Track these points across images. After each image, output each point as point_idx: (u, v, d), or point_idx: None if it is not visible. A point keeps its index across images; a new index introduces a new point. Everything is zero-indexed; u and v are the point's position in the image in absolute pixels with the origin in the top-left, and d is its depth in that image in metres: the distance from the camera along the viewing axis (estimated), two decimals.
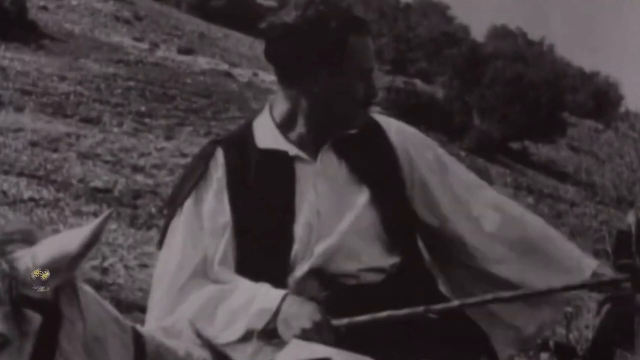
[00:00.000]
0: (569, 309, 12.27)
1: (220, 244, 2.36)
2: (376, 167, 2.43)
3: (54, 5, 20.35)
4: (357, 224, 2.38)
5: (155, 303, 2.40)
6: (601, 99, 29.42)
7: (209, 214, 2.39)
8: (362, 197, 2.39)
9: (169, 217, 2.48)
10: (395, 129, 2.53)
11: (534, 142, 23.57)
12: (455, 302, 2.36)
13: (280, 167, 2.42)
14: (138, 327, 2.20)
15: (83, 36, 18.86)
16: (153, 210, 11.12)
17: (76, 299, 2.04)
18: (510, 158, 22.20)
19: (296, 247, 2.38)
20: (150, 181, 12.05)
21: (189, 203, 2.43)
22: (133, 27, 21.23)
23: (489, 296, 2.37)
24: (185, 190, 2.44)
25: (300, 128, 2.45)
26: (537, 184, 20.82)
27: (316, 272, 2.36)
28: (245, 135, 2.47)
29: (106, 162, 12.34)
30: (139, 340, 2.15)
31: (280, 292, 2.30)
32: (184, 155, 13.53)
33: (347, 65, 2.42)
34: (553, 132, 23.28)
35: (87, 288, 2.12)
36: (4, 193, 10.23)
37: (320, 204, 2.39)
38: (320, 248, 2.37)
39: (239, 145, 2.45)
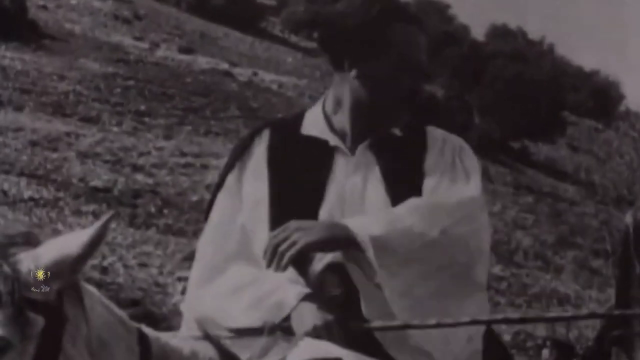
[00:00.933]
0: (569, 308, 12.27)
1: (256, 219, 2.42)
2: (402, 177, 2.42)
3: (54, 4, 20.35)
4: None
5: (196, 273, 2.44)
6: (601, 98, 29.41)
7: (248, 189, 2.46)
8: (384, 202, 2.40)
9: (216, 189, 2.53)
10: (439, 145, 2.50)
11: (534, 141, 23.57)
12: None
13: (319, 155, 2.45)
14: (143, 328, 2.19)
15: (83, 35, 18.86)
16: (152, 209, 11.13)
17: (80, 301, 2.03)
18: (510, 157, 22.20)
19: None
20: (149, 180, 12.05)
21: (231, 177, 2.49)
22: (133, 27, 21.23)
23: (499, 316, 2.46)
24: (229, 165, 2.50)
25: (345, 119, 2.47)
26: (537, 183, 20.83)
27: (335, 268, 2.36)
28: (295, 121, 2.53)
29: (106, 161, 12.34)
30: (144, 341, 2.14)
31: (302, 291, 2.31)
32: (183, 154, 13.54)
33: (389, 53, 2.42)
34: (553, 131, 23.28)
35: (92, 289, 2.11)
36: (4, 193, 10.24)
37: (347, 199, 2.41)
38: None
39: (286, 129, 2.51)
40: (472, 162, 2.49)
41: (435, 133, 2.51)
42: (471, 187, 2.43)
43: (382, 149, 2.44)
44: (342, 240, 2.27)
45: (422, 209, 2.33)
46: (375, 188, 2.40)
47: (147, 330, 2.20)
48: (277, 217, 2.39)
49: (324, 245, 2.28)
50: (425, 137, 2.48)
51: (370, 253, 2.23)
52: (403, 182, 2.40)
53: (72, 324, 2.00)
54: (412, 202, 2.35)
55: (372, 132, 2.45)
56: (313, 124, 2.49)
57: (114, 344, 2.07)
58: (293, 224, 2.29)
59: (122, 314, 2.16)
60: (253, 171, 2.46)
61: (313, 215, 2.38)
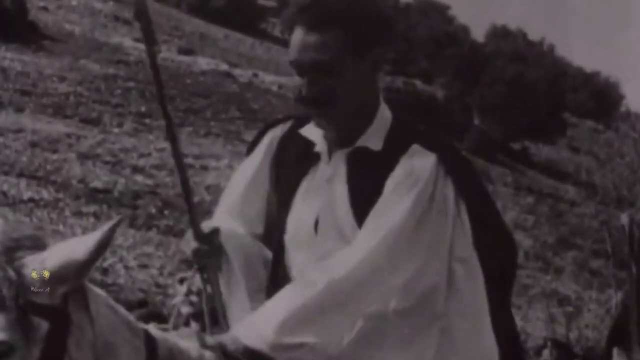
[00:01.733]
0: (570, 308, 12.27)
1: (257, 206, 2.51)
2: (366, 192, 2.32)
3: (54, 5, 20.36)
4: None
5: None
6: (602, 99, 29.42)
7: (255, 174, 2.53)
8: (347, 214, 2.34)
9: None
10: (407, 168, 2.31)
11: (534, 142, 23.59)
12: None
13: (305, 157, 2.44)
14: (151, 329, 2.18)
15: (83, 37, 18.87)
16: (153, 210, 11.13)
17: (86, 304, 2.02)
18: (510, 158, 22.21)
19: (286, 237, 2.43)
20: (150, 182, 12.05)
21: (249, 159, 2.57)
22: (133, 28, 21.22)
23: None
24: (250, 146, 2.59)
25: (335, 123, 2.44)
26: (537, 184, 20.83)
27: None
28: (305, 119, 2.48)
29: (106, 162, 12.35)
30: (150, 343, 2.13)
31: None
32: (183, 155, 13.54)
33: (371, 51, 2.34)
34: (553, 132, 23.30)
35: (98, 291, 2.10)
36: (4, 194, 10.24)
37: (318, 205, 2.39)
38: (297, 257, 2.41)
39: (298, 125, 2.50)
40: (420, 191, 2.28)
41: (411, 153, 2.32)
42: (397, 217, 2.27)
43: (356, 159, 2.36)
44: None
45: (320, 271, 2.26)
46: (341, 199, 2.34)
47: (155, 331, 2.18)
48: (269, 219, 2.50)
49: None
50: (402, 155, 2.33)
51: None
52: (365, 198, 2.31)
53: (77, 328, 1.99)
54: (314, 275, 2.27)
55: (348, 141, 2.37)
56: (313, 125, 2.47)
57: (119, 346, 2.06)
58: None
59: (129, 315, 2.15)
60: (261, 162, 2.51)
61: (282, 223, 2.42)
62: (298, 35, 2.30)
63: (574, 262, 15.53)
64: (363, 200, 2.30)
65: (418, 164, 2.29)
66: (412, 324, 2.21)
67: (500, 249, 2.34)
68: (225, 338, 2.25)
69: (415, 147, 2.32)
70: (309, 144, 2.43)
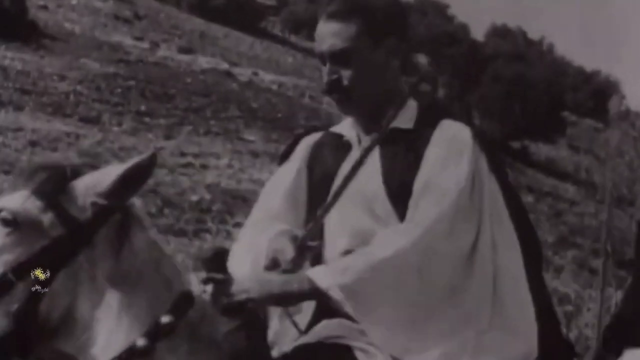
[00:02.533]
0: (569, 307, 12.29)
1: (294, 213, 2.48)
2: (401, 172, 2.33)
3: (54, 4, 20.36)
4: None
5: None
6: (601, 98, 29.43)
7: (294, 179, 2.51)
8: (381, 198, 2.33)
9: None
10: (445, 140, 2.33)
11: (534, 141, 23.59)
12: None
13: (336, 149, 2.45)
14: (193, 290, 2.15)
15: (83, 35, 18.87)
16: (153, 209, 11.12)
17: (124, 234, 2.09)
18: (510, 157, 22.21)
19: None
20: (149, 180, 12.05)
21: (286, 166, 2.54)
22: (133, 27, 21.24)
23: None
24: (284, 154, 2.58)
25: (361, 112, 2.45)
26: (537, 183, 20.84)
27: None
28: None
29: (106, 161, 12.35)
30: (185, 298, 2.12)
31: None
32: (183, 154, 13.55)
33: (386, 39, 2.38)
34: (553, 131, 23.31)
35: (147, 224, 2.19)
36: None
37: (347, 193, 2.37)
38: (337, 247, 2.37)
39: (329, 132, 2.53)
40: (462, 166, 2.30)
41: (445, 127, 2.36)
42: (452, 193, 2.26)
43: (387, 142, 2.37)
44: (302, 294, 2.19)
45: (394, 235, 2.23)
46: (374, 182, 2.34)
47: (197, 293, 2.15)
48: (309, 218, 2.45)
49: (275, 301, 2.23)
50: (433, 131, 2.35)
51: (346, 305, 2.16)
52: (400, 178, 2.32)
53: (98, 251, 2.06)
54: (385, 233, 2.25)
55: (377, 125, 2.40)
56: (345, 121, 2.50)
57: (148, 282, 2.09)
58: (259, 276, 2.26)
59: (171, 258, 2.20)
60: (294, 158, 2.52)
61: (317, 207, 2.39)
62: (319, 26, 2.38)
63: (574, 261, 15.53)
64: (397, 176, 2.31)
65: (458, 134, 2.33)
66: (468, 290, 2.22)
67: (527, 223, 2.36)
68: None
69: (447, 121, 2.36)
70: (341, 138, 2.46)
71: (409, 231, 2.23)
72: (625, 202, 19.98)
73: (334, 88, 2.37)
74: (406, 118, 2.40)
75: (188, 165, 13.17)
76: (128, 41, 19.36)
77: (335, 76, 2.36)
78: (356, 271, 2.17)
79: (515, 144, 23.01)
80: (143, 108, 15.09)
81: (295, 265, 2.25)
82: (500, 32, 29.23)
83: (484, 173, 2.31)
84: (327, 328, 2.23)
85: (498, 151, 2.45)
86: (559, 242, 16.37)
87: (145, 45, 19.56)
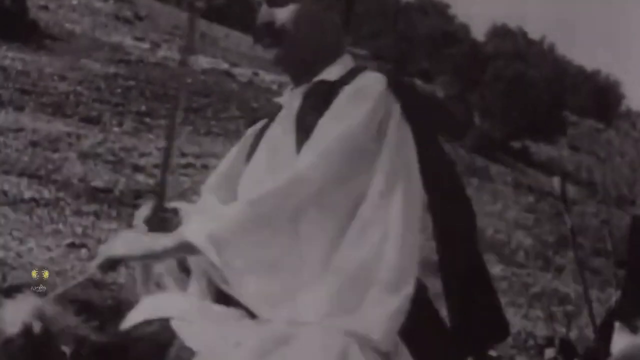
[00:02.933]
0: (570, 307, 12.28)
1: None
2: (309, 124, 2.23)
3: (55, 4, 20.36)
4: None
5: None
6: (602, 98, 29.43)
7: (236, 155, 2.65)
8: (291, 152, 2.25)
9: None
10: (355, 87, 2.21)
11: (535, 141, 23.59)
12: None
13: (274, 114, 2.48)
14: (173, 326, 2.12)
15: (84, 36, 18.87)
16: None
17: None
18: (510, 157, 22.22)
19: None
20: (150, 181, 12.05)
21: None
22: (134, 27, 21.25)
23: None
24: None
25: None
26: (538, 183, 20.83)
27: None
28: None
29: (107, 161, 12.35)
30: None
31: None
32: (184, 154, 13.55)
33: None
34: (554, 131, 23.31)
35: None
36: (5, 193, 10.24)
37: (266, 147, 2.39)
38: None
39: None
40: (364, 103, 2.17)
41: (362, 77, 2.23)
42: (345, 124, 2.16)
43: (310, 94, 2.29)
44: (169, 249, 2.17)
45: (267, 180, 2.19)
46: (287, 136, 2.28)
47: (179, 331, 2.12)
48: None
49: (140, 259, 2.24)
50: (350, 81, 2.24)
51: (211, 253, 2.09)
52: (308, 129, 2.21)
53: None
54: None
55: (303, 75, 2.33)
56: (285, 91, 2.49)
57: None
58: (127, 233, 2.30)
59: None
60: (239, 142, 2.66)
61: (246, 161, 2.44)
62: None
63: (575, 261, 15.54)
64: (305, 127, 2.22)
65: (368, 83, 2.21)
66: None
67: (460, 192, 2.25)
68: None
69: (367, 73, 2.25)
70: (280, 109, 2.42)
71: (280, 176, 2.17)
72: (626, 202, 19.99)
73: (265, 31, 2.29)
74: (335, 72, 2.29)
75: (189, 165, 13.17)
76: (129, 41, 19.36)
77: (268, 18, 2.28)
78: (224, 219, 2.13)
79: (516, 144, 23.01)
80: (144, 108, 15.10)
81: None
82: (500, 32, 29.22)
83: (394, 122, 2.17)
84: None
85: (425, 102, 2.33)
86: (560, 242, 16.37)
87: (146, 45, 19.56)
